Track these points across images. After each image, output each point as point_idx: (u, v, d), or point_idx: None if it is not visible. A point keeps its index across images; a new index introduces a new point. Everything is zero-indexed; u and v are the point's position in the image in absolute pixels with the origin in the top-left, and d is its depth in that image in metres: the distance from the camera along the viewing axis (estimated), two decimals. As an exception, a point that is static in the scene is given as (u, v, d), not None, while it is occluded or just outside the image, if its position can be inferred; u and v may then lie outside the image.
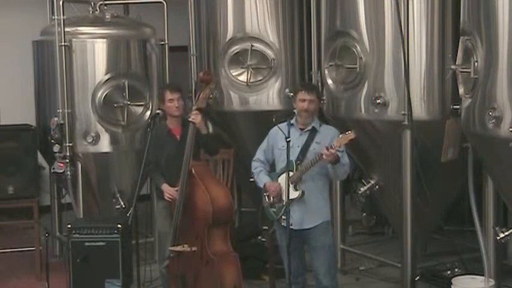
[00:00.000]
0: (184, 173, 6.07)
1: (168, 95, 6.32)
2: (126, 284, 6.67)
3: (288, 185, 5.66)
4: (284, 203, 5.67)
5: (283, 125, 5.71)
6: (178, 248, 6.08)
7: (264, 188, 5.90)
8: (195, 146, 6.16)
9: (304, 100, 5.77)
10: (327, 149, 5.47)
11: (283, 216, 5.67)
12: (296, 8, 7.77)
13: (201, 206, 6.04)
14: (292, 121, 5.81)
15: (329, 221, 5.88)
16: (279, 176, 5.79)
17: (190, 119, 6.12)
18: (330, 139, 5.69)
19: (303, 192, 5.67)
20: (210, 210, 5.99)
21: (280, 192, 5.73)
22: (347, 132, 5.55)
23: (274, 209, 5.81)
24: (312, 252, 5.86)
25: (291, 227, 5.64)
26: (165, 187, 6.25)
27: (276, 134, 5.84)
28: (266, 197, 5.88)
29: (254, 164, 6.02)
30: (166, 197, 6.23)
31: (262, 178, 5.92)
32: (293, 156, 5.69)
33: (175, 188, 6.16)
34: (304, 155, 5.71)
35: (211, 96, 6.35)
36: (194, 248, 6.03)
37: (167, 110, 6.37)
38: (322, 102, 6.57)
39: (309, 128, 5.79)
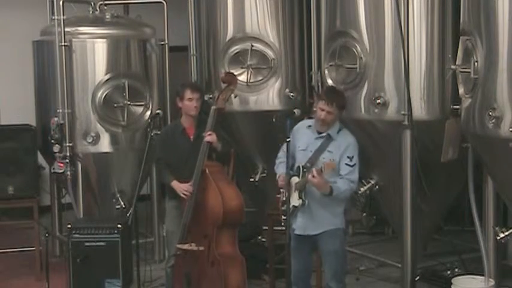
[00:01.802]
0: (197, 173, 6.06)
1: (188, 94, 6.28)
2: (126, 284, 6.67)
3: (292, 190, 5.64)
4: (290, 206, 5.65)
5: (303, 122, 5.68)
6: (186, 246, 6.08)
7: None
8: (210, 149, 6.15)
9: (322, 110, 5.68)
10: (313, 173, 5.40)
11: (283, 216, 5.66)
12: (296, 8, 7.77)
13: (213, 206, 6.04)
14: (311, 123, 5.78)
15: (339, 228, 5.76)
16: (290, 178, 5.71)
17: (206, 140, 6.08)
18: (343, 150, 5.63)
19: (303, 202, 5.63)
20: (221, 211, 5.99)
21: (286, 192, 5.68)
22: (331, 161, 5.49)
23: (284, 208, 5.75)
24: (321, 255, 5.89)
25: (294, 231, 5.65)
26: (176, 184, 6.20)
27: (297, 131, 5.78)
28: (282, 193, 5.80)
29: (279, 154, 5.97)
30: (180, 194, 6.16)
31: (279, 169, 5.88)
32: (303, 161, 5.67)
33: (189, 184, 6.12)
34: (313, 162, 5.62)
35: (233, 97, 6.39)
36: (201, 248, 6.03)
37: (184, 109, 6.34)
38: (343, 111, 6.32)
39: (325, 134, 5.72)
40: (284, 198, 5.72)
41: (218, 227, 6.02)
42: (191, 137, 6.33)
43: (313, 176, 5.43)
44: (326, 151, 5.65)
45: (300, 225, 5.69)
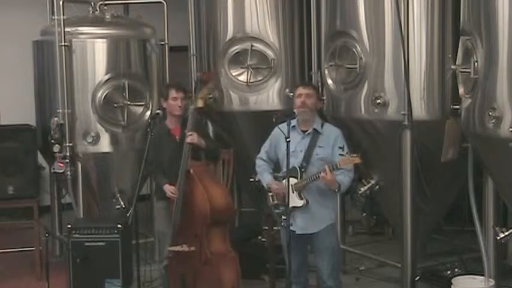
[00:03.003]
0: (182, 174, 6.09)
1: (173, 93, 6.32)
2: (126, 284, 6.67)
3: (290, 191, 5.61)
4: (290, 207, 5.63)
5: (283, 126, 5.60)
6: (177, 248, 6.09)
7: (267, 187, 5.87)
8: (196, 147, 6.17)
9: (300, 95, 5.73)
10: (326, 171, 5.39)
11: (283, 216, 5.65)
12: (296, 8, 7.76)
13: (199, 206, 6.06)
14: (294, 123, 5.74)
15: (334, 223, 5.85)
16: (282, 180, 5.70)
17: (187, 141, 6.11)
18: (332, 142, 5.65)
19: (307, 201, 5.63)
20: (207, 210, 6.01)
21: (284, 194, 5.64)
22: (353, 155, 5.48)
23: (279, 211, 5.76)
24: (316, 254, 5.85)
25: (295, 232, 5.65)
26: (166, 187, 6.25)
27: (279, 135, 5.70)
28: (271, 197, 5.83)
29: (258, 162, 5.98)
30: (169, 195, 6.20)
31: (265, 177, 5.88)
32: (296, 162, 5.65)
33: (173, 187, 6.18)
34: (308, 161, 5.63)
35: (210, 96, 6.38)
36: (193, 248, 6.04)
37: (169, 109, 6.37)
38: (322, 102, 6.57)
39: (310, 130, 5.73)
40: (276, 202, 5.72)
41: (207, 226, 6.03)
42: (177, 137, 6.35)
43: (326, 174, 5.42)
44: (317, 147, 5.67)
45: (300, 225, 5.68)
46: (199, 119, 6.30)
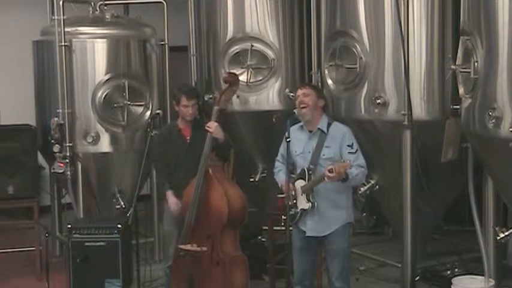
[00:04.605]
0: (200, 173, 6.05)
1: (184, 101, 6.28)
2: (126, 284, 6.67)
3: (299, 194, 5.61)
4: (298, 209, 5.63)
5: (293, 127, 5.62)
6: (188, 247, 6.06)
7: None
8: (213, 139, 6.14)
9: (298, 96, 5.71)
10: (330, 171, 5.33)
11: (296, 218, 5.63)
12: (296, 8, 7.77)
13: (217, 207, 6.02)
14: (302, 124, 5.73)
15: (347, 224, 5.71)
16: (295, 182, 5.67)
17: (206, 127, 6.10)
18: (339, 141, 5.59)
19: (313, 204, 5.58)
20: (226, 211, 5.98)
21: (293, 196, 5.64)
22: (343, 161, 5.39)
23: (292, 213, 5.71)
24: (326, 254, 5.82)
25: (306, 234, 5.65)
26: (170, 197, 6.23)
27: (290, 137, 5.67)
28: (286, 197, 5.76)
29: (275, 164, 5.96)
30: (171, 207, 6.21)
31: (279, 177, 5.85)
32: (305, 164, 5.63)
33: (178, 201, 6.17)
34: (316, 162, 5.59)
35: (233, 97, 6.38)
36: (205, 248, 6.02)
37: (180, 113, 6.36)
38: (324, 100, 6.47)
39: (315, 130, 5.68)
40: (290, 203, 5.67)
41: (223, 227, 6.01)
42: (187, 138, 6.34)
43: (329, 175, 5.34)
44: (324, 147, 5.61)
45: (310, 228, 5.65)
46: (221, 119, 6.24)
